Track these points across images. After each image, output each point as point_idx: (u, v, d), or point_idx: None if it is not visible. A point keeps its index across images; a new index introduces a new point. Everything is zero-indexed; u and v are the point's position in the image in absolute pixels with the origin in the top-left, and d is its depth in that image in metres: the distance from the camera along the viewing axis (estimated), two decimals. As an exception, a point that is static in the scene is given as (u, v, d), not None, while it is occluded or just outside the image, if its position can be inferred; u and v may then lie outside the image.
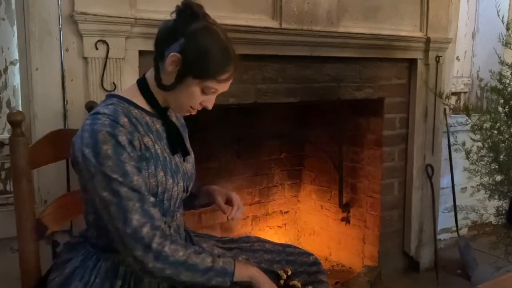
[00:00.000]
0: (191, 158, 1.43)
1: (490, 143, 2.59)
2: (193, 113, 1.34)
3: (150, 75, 1.31)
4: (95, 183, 1.16)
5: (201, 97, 1.28)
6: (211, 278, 1.20)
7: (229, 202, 1.52)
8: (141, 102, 1.30)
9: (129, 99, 1.28)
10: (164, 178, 1.25)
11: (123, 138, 1.17)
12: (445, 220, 3.19)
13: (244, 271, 1.27)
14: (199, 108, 1.32)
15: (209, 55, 1.22)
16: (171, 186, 1.27)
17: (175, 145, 1.33)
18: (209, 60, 1.23)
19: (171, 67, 1.23)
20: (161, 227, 1.17)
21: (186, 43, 1.22)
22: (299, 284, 1.48)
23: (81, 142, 1.18)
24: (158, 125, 1.32)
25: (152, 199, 1.19)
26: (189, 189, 1.40)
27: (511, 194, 2.50)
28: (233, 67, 1.27)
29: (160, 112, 1.33)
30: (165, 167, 1.27)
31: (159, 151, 1.27)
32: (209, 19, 1.27)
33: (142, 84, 1.32)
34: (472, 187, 3.07)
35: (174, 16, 1.26)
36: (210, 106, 1.32)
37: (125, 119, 1.21)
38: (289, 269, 1.50)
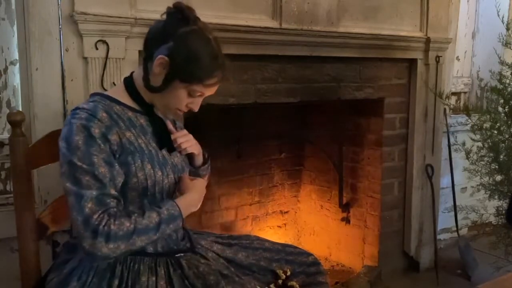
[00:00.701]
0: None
1: (490, 143, 2.59)
2: (179, 114, 1.36)
3: (137, 74, 1.34)
4: (62, 173, 1.18)
5: (187, 99, 1.29)
6: (165, 229, 1.23)
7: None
8: (125, 99, 1.32)
9: (112, 96, 1.30)
10: (152, 171, 1.26)
11: (96, 131, 1.19)
12: (445, 220, 3.19)
13: (188, 206, 1.31)
14: (185, 110, 1.33)
15: (196, 60, 1.23)
16: (161, 178, 1.28)
17: (163, 139, 1.34)
18: (197, 65, 1.23)
19: (158, 69, 1.25)
20: (112, 213, 1.16)
21: (175, 46, 1.23)
22: (297, 285, 1.48)
23: (60, 136, 1.22)
24: (142, 120, 1.32)
25: (113, 192, 1.19)
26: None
27: (511, 194, 2.50)
28: (221, 73, 1.28)
29: (146, 108, 1.33)
30: (152, 160, 1.28)
31: (143, 145, 1.28)
32: (200, 23, 1.27)
33: (128, 82, 1.34)
34: (472, 187, 3.07)
35: (164, 17, 1.27)
36: (196, 108, 1.33)
37: (104, 114, 1.23)
38: (288, 269, 1.50)
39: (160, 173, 1.28)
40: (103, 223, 1.13)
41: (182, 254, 1.35)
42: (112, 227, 1.14)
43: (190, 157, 1.46)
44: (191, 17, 1.25)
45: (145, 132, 1.31)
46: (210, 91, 1.31)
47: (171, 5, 1.28)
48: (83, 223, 1.14)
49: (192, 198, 1.33)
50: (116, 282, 1.23)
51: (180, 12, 1.25)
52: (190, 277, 1.31)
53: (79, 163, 1.16)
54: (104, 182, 1.17)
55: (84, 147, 1.17)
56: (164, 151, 1.34)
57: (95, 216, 1.14)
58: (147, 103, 1.33)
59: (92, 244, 1.13)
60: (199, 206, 1.36)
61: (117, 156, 1.23)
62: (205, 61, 1.24)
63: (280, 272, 1.49)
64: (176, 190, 1.36)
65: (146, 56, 1.30)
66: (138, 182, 1.24)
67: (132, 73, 1.36)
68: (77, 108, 1.24)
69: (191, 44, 1.23)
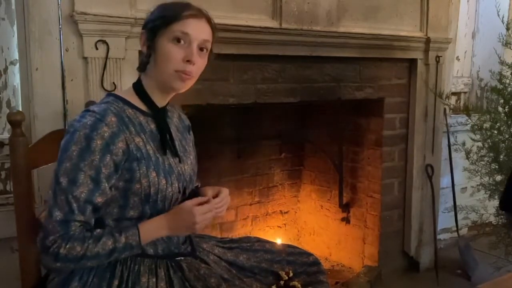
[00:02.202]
0: (190, 159, 1.41)
1: (490, 143, 2.60)
2: (187, 77, 1.28)
3: (143, 75, 1.34)
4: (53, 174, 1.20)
5: (179, 52, 1.25)
6: (118, 256, 1.22)
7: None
8: (137, 102, 1.31)
9: (126, 98, 1.30)
10: (156, 179, 1.25)
11: (97, 143, 1.18)
12: (445, 220, 3.19)
13: (153, 233, 1.26)
14: (186, 68, 1.26)
15: (162, 8, 1.30)
16: (164, 187, 1.27)
17: (164, 144, 1.32)
18: (165, 10, 1.29)
19: (143, 44, 1.30)
20: (65, 237, 1.16)
21: (146, 19, 1.32)
22: (299, 285, 1.48)
23: (63, 137, 1.22)
24: (152, 126, 1.31)
25: (80, 217, 1.17)
26: (187, 191, 1.39)
27: (507, 181, 2.48)
28: (193, 7, 1.29)
29: (154, 111, 1.33)
30: (158, 168, 1.26)
31: (150, 152, 1.27)
32: None
33: (137, 86, 1.33)
34: (472, 187, 3.07)
35: None
36: (193, 58, 1.26)
37: (113, 119, 1.22)
38: (289, 270, 1.50)
39: (164, 182, 1.27)
40: (55, 246, 1.15)
41: (182, 258, 1.35)
42: (61, 250, 1.15)
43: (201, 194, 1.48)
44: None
45: (154, 138, 1.30)
46: (192, 29, 1.25)
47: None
48: (41, 238, 1.17)
49: (162, 232, 1.27)
50: (116, 282, 1.23)
51: None
52: (191, 279, 1.30)
53: (61, 179, 1.16)
54: (72, 208, 1.16)
55: (76, 160, 1.16)
56: (171, 159, 1.32)
57: (51, 238, 1.15)
58: (156, 106, 1.33)
59: (43, 259, 1.19)
60: (179, 231, 1.31)
61: (122, 163, 1.22)
62: (170, 4, 1.30)
63: (282, 273, 1.48)
64: (178, 199, 1.35)
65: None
66: (141, 188, 1.23)
67: (139, 76, 1.36)
68: (87, 111, 1.23)
69: (156, 8, 1.32)
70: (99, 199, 1.19)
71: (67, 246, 1.15)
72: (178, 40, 1.25)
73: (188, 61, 1.25)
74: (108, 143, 1.19)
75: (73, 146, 1.17)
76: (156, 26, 1.27)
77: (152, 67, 1.29)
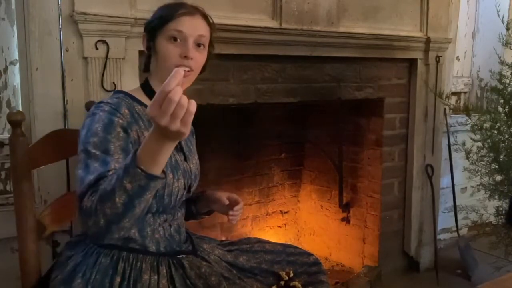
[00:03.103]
0: (195, 160, 1.45)
1: (490, 143, 2.59)
2: (186, 73, 1.27)
3: (149, 76, 1.39)
4: (78, 162, 1.18)
5: (175, 49, 1.29)
6: (126, 184, 1.02)
7: (231, 201, 1.53)
8: (146, 100, 1.34)
9: (134, 96, 1.34)
10: None
11: (117, 120, 1.22)
12: (445, 220, 3.19)
13: (150, 148, 1.02)
14: (184, 62, 1.28)
15: (160, 9, 1.36)
16: (171, 181, 1.29)
17: None
18: (161, 11, 1.34)
19: (145, 45, 1.36)
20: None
21: (147, 21, 1.38)
22: (299, 285, 1.48)
23: (81, 128, 1.24)
24: None
25: (114, 165, 1.11)
26: (192, 189, 1.42)
27: (511, 194, 2.50)
28: (188, 5, 1.33)
29: None
30: None
31: None
32: None
33: (145, 86, 1.38)
34: (472, 187, 3.07)
35: None
36: (189, 53, 1.29)
37: (126, 111, 1.27)
38: (290, 271, 1.50)
39: (171, 176, 1.29)
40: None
41: (183, 256, 1.35)
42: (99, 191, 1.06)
43: (208, 199, 1.54)
44: None
45: None
46: (186, 27, 1.29)
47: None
48: (78, 195, 1.10)
49: (151, 137, 1.02)
50: (118, 279, 1.23)
51: None
52: (192, 277, 1.31)
53: (93, 151, 1.16)
54: (108, 163, 1.13)
55: (103, 134, 1.19)
56: (177, 156, 1.35)
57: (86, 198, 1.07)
58: None
59: (82, 210, 1.07)
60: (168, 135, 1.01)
61: None
62: (165, 6, 1.35)
63: (283, 274, 1.48)
64: (183, 195, 1.37)
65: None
66: None
67: (146, 78, 1.40)
68: (101, 102, 1.28)
69: (156, 10, 1.37)
70: None
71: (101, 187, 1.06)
72: (174, 38, 1.30)
73: (185, 57, 1.29)
74: (126, 127, 1.23)
75: (96, 124, 1.20)
76: (154, 27, 1.32)
77: (155, 67, 1.35)
